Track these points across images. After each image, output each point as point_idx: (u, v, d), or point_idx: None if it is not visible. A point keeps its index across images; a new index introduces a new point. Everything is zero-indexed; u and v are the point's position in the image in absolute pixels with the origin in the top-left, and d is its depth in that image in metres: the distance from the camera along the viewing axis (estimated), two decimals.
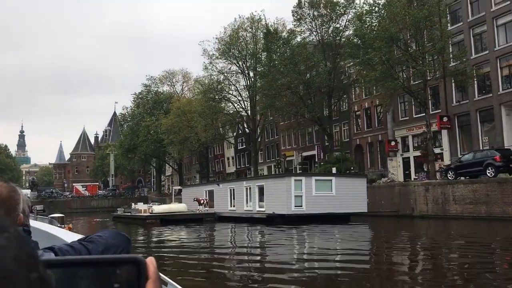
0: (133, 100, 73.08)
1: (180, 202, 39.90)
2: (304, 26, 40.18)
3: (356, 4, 37.98)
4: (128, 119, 73.52)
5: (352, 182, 27.66)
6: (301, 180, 26.36)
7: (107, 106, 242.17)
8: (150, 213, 32.85)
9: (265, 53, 42.20)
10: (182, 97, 68.86)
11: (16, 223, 1.25)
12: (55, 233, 3.08)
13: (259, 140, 52.51)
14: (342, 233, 22.92)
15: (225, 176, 69.83)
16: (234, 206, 31.46)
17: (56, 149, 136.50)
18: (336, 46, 39.75)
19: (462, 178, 26.72)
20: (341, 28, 39.52)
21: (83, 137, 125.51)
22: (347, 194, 26.85)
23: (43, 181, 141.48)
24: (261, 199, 28.62)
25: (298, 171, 46.33)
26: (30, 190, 66.42)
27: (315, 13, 39.79)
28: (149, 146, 66.47)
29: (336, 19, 38.90)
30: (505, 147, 27.22)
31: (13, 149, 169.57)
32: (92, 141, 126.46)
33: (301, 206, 26.18)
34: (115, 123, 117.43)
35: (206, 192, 35.75)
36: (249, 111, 51.91)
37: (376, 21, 29.52)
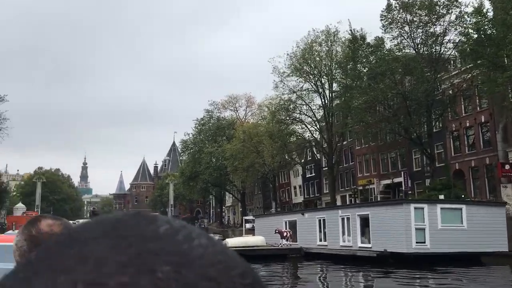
0: (195, 127, 69.98)
1: (249, 234, 34.88)
2: (395, 32, 34.86)
3: (460, 2, 32.43)
4: (190, 146, 70.12)
5: (487, 212, 21.41)
6: (423, 208, 20.49)
7: (166, 137, 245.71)
8: None
9: (350, 64, 37.15)
10: (246, 122, 65.00)
11: None
12: None
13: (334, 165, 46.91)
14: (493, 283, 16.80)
15: (291, 207, 64.55)
16: (325, 240, 25.82)
17: (117, 179, 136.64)
18: (436, 54, 34.11)
19: None
20: (440, 32, 33.85)
21: (143, 167, 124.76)
22: (481, 227, 20.67)
23: (104, 211, 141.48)
24: (364, 232, 22.88)
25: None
26: None
27: (408, 16, 34.45)
28: (212, 174, 62.53)
29: (437, 21, 33.32)
30: None
31: (76, 180, 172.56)
32: (152, 171, 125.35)
33: (424, 242, 20.22)
34: (174, 153, 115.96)
35: (286, 223, 30.38)
36: (324, 133, 46.70)
37: (501, 12, 23.73)
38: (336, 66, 41.85)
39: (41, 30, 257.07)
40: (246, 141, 54.08)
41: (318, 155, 57.83)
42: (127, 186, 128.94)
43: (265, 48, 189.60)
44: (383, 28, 35.68)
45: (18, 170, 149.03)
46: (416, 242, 20.21)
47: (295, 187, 67.90)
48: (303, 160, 61.15)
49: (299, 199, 66.20)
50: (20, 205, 79.79)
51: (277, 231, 27.72)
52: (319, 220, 26.66)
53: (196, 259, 0.33)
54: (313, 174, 61.88)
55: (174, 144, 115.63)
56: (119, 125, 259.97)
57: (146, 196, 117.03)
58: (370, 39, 38.47)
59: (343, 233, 24.38)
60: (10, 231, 31.38)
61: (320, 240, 26.30)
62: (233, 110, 70.25)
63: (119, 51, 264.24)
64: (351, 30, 38.05)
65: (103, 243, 0.33)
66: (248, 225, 44.34)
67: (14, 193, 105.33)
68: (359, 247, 22.90)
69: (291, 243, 27.90)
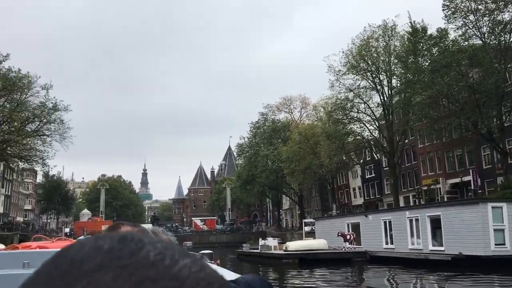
0: (250, 130, 69.90)
1: (309, 237, 33.98)
2: (459, 22, 32.86)
3: None
4: (246, 149, 70.11)
5: None
6: (501, 207, 18.85)
7: (222, 141, 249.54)
8: (285, 250, 27.10)
9: (410, 57, 35.46)
10: (301, 124, 64.18)
11: None
12: None
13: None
14: None
15: (351, 209, 62.90)
16: (392, 243, 24.51)
17: (175, 185, 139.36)
18: (504, 43, 31.85)
19: None
20: (508, 19, 31.54)
21: (200, 172, 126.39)
22: None
23: (164, 216, 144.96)
24: (435, 234, 21.43)
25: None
26: (151, 225, 65.40)
27: (473, 4, 32.37)
28: (268, 177, 62.07)
29: (504, 8, 31.08)
30: None
31: (137, 186, 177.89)
32: (209, 175, 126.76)
33: (504, 244, 18.57)
34: (229, 157, 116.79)
35: (348, 225, 29.26)
36: (384, 132, 45.00)
37: None
38: (396, 61, 40.18)
39: (102, 43, 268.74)
40: (302, 143, 53.34)
41: (377, 155, 56.00)
42: (185, 191, 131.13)
43: (319, 49, 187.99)
44: (446, 19, 33.75)
45: (83, 178, 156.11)
46: (495, 244, 18.61)
47: (354, 189, 66.13)
48: (361, 161, 59.46)
49: (358, 200, 64.42)
50: (85, 211, 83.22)
51: (339, 234, 26.69)
52: (385, 222, 25.38)
53: (185, 280, 0.39)
54: (373, 175, 60.02)
55: (229, 148, 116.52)
56: (176, 132, 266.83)
57: (204, 200, 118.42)
58: (431, 31, 36.72)
59: (412, 236, 22.99)
60: (82, 237, 32.51)
61: (387, 243, 25.01)
62: (287, 112, 69.74)
63: (176, 60, 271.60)
64: (411, 22, 36.33)
65: (107, 274, 0.38)
66: (307, 228, 43.47)
67: (80, 200, 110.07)
68: (431, 250, 21.47)
69: (355, 246, 26.79)
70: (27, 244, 4.47)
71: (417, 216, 22.61)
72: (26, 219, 79.20)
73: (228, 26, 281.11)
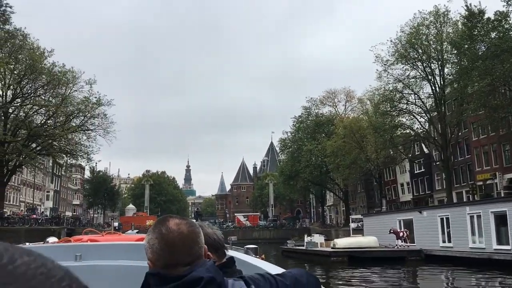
0: (293, 125, 68.53)
1: (357, 234, 32.42)
2: None
3: None
4: (289, 144, 68.83)
5: None
6: None
7: (264, 137, 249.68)
8: (332, 247, 25.77)
9: (466, 43, 33.13)
10: (346, 117, 62.19)
11: (201, 255, 1.33)
12: (253, 262, 2.97)
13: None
14: None
15: (399, 205, 60.53)
16: (449, 241, 22.72)
17: (218, 181, 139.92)
18: None
19: None
20: None
21: (242, 168, 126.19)
22: None
23: (207, 212, 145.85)
24: (500, 232, 19.58)
25: None
26: (195, 220, 65.52)
27: None
28: (312, 172, 60.59)
29: None
30: None
31: (180, 182, 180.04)
32: (251, 171, 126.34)
33: None
34: (272, 152, 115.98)
35: (400, 222, 27.56)
36: (435, 124, 42.65)
37: None
38: (449, 48, 37.89)
39: (147, 45, 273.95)
40: (347, 137, 51.60)
41: (427, 148, 53.49)
42: (228, 187, 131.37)
43: (364, 42, 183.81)
44: (505, 1, 31.27)
45: (128, 174, 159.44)
46: None
47: (402, 184, 63.66)
48: (410, 155, 57.01)
49: (407, 197, 61.98)
50: (131, 206, 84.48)
51: (392, 231, 25.09)
52: (441, 219, 23.58)
53: (20, 275, 0.42)
54: (422, 170, 57.49)
55: (272, 144, 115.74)
56: (219, 129, 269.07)
57: (247, 196, 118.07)
58: (488, 15, 34.24)
59: (473, 234, 21.15)
60: (129, 231, 32.47)
61: (444, 242, 23.23)
62: (331, 106, 67.93)
63: (220, 59, 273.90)
64: (466, 5, 33.98)
65: None
66: (353, 225, 41.99)
67: (125, 195, 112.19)
68: (495, 249, 19.61)
69: (408, 244, 25.12)
70: (78, 237, 4.55)
71: (479, 212, 20.75)
72: (75, 213, 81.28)
73: (271, 24, 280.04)
